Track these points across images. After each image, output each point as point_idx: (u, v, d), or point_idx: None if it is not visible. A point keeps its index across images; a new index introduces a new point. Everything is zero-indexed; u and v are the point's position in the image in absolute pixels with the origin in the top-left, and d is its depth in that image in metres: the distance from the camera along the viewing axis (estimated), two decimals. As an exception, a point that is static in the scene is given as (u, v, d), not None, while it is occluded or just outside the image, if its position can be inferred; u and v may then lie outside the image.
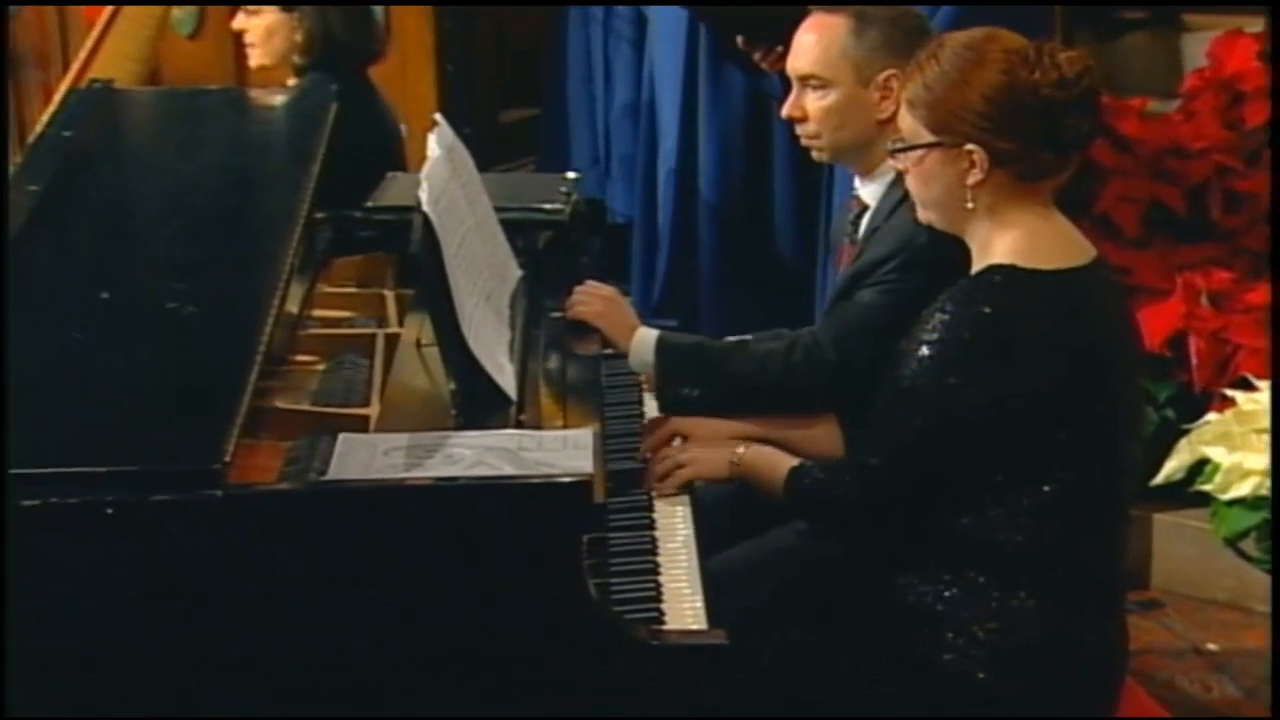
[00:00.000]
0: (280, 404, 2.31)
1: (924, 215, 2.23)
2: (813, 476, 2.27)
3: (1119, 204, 3.77)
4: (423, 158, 2.42)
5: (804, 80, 2.54)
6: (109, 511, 1.83)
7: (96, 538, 1.84)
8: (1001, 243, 2.15)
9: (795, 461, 2.30)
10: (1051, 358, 2.09)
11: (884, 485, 2.16)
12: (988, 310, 2.08)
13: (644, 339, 2.58)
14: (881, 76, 2.47)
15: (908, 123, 2.18)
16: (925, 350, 2.10)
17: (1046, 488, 2.12)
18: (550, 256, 2.94)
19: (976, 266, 2.17)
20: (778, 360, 2.51)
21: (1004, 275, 2.11)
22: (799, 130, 2.59)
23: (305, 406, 2.33)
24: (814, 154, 2.62)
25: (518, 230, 2.82)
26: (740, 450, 2.35)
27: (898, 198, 2.46)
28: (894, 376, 2.16)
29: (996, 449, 2.11)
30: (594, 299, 2.66)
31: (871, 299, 2.47)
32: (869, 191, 2.57)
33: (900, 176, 2.30)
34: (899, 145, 2.19)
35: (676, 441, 2.50)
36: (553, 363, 2.58)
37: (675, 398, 2.54)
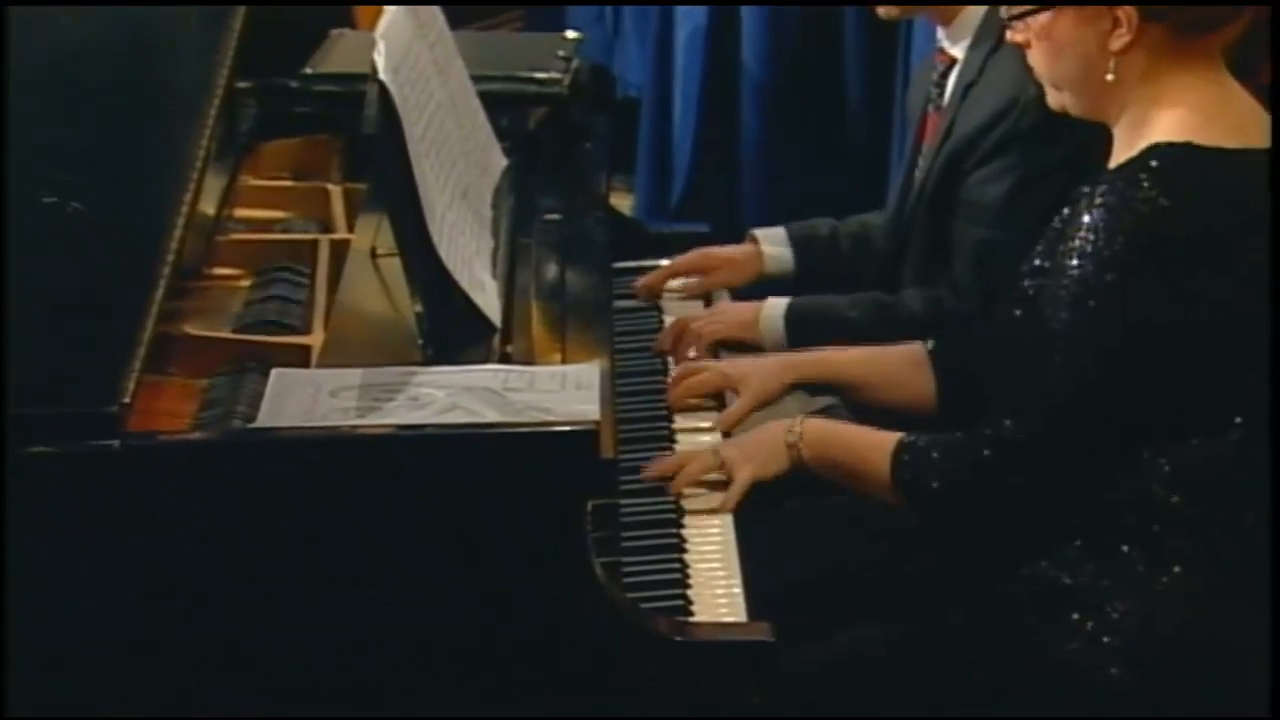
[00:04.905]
0: (194, 330, 2.32)
1: (1055, 99, 2.23)
2: (932, 463, 2.20)
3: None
4: (377, 12, 2.41)
5: None
6: (-26, 468, 1.85)
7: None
8: (1163, 119, 2.14)
9: (886, 438, 2.25)
10: (1245, 262, 2.08)
11: (1043, 461, 2.14)
12: (1159, 197, 2.07)
13: (772, 315, 2.69)
14: None
15: None
16: (1076, 269, 2.09)
17: (1224, 436, 2.12)
18: (545, 141, 2.94)
19: (1128, 152, 2.15)
20: (926, 324, 2.60)
21: (1177, 153, 2.10)
22: None
23: (226, 333, 2.34)
24: (880, 11, 2.67)
25: (503, 107, 2.83)
26: (797, 427, 2.32)
27: (990, 46, 2.49)
28: (1034, 318, 2.15)
29: (1172, 384, 2.10)
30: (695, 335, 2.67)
31: (994, 211, 2.52)
32: (956, 41, 2.58)
33: (990, 19, 2.30)
34: (1018, 10, 2.19)
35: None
36: (549, 279, 2.58)
37: None
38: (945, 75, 2.63)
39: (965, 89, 2.56)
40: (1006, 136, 2.51)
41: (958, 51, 2.60)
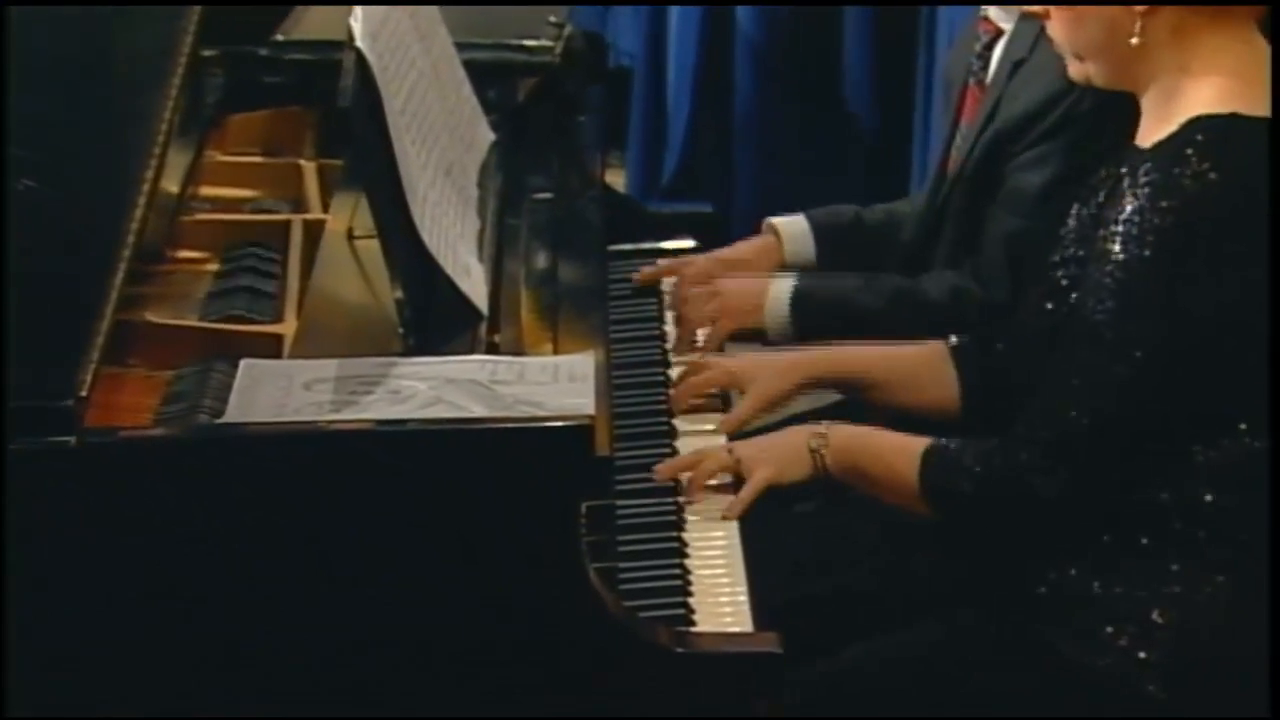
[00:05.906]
0: (156, 318, 2.31)
1: (1078, 71, 2.23)
2: (964, 468, 2.18)
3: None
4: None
5: None
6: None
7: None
8: (1200, 88, 2.13)
9: (914, 443, 2.24)
10: (1267, 239, 2.07)
11: (1088, 462, 2.12)
12: (1209, 172, 2.06)
13: (777, 299, 2.66)
14: None
15: None
16: (1121, 254, 2.07)
17: (1266, 433, 2.09)
18: (535, 114, 2.92)
19: (1164, 127, 2.13)
20: (948, 314, 2.58)
21: (1223, 125, 2.09)
22: None
23: (191, 321, 2.34)
24: None
25: (490, 77, 2.82)
26: (821, 431, 2.31)
27: None
28: (1072, 310, 2.13)
29: (1224, 373, 2.09)
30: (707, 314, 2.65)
31: (1032, 199, 2.51)
32: (1004, 11, 2.56)
33: None
34: None
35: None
36: (540, 263, 2.57)
37: None
38: (990, 47, 2.61)
39: (1014, 66, 2.54)
40: (1060, 122, 2.48)
41: (1006, 23, 2.57)
